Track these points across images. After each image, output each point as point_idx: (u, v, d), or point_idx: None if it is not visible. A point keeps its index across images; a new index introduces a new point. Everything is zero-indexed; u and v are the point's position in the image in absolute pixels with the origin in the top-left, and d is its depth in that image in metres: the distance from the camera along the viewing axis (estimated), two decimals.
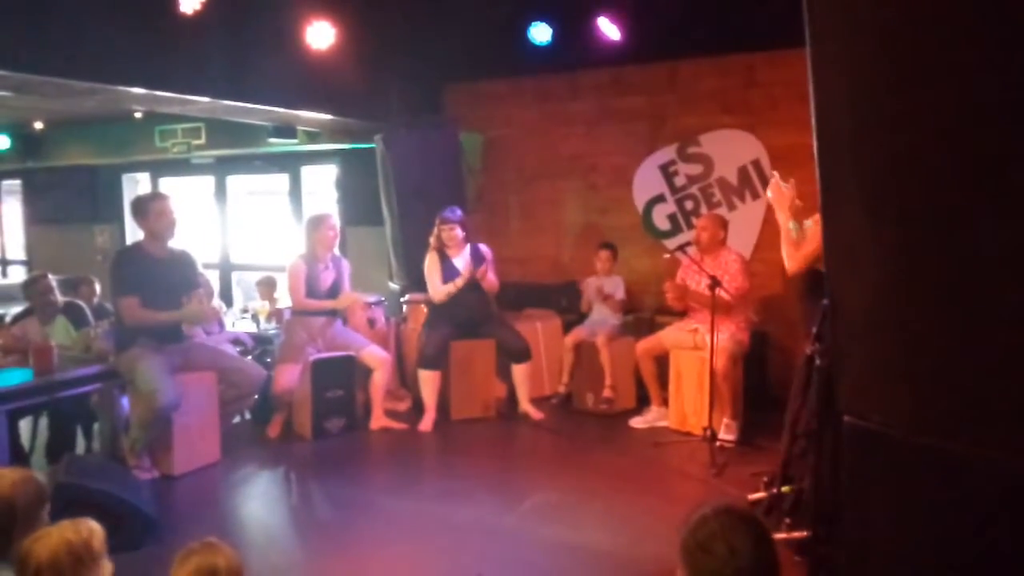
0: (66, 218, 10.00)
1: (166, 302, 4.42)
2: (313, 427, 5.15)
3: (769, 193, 3.88)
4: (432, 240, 5.50)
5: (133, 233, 8.60)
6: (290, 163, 8.45)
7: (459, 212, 5.51)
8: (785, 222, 3.70)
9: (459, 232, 5.44)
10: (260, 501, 4.37)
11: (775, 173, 3.90)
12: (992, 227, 1.62)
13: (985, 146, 1.62)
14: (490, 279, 5.45)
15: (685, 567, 1.56)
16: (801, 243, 3.60)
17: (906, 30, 1.69)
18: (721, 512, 1.58)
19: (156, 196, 4.69)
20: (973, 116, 1.63)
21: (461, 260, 5.47)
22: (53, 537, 1.85)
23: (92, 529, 1.92)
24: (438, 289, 5.42)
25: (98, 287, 5.62)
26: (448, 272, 5.43)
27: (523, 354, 5.50)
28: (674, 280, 5.18)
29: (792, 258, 3.63)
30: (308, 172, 8.52)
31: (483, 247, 5.60)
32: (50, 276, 4.91)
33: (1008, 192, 1.59)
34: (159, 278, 4.40)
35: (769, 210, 4.54)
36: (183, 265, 4.60)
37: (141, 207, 4.48)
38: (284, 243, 8.08)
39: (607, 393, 5.52)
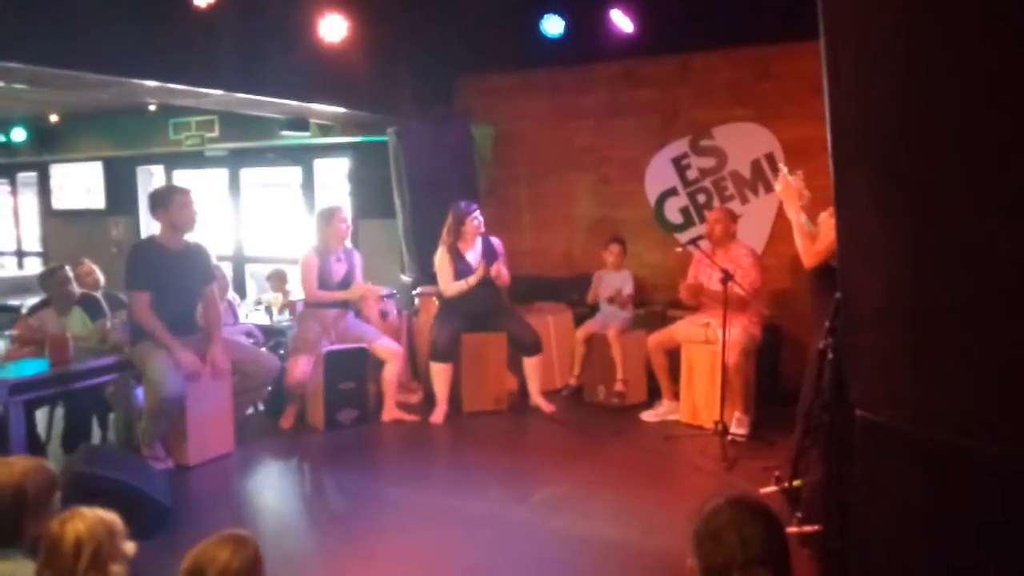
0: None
1: (180, 295, 4.46)
2: (325, 419, 5.18)
3: (778, 187, 3.87)
4: (444, 235, 5.48)
5: (148, 225, 8.67)
6: (303, 156, 8.48)
7: (474, 206, 5.51)
8: (796, 216, 3.68)
9: (479, 219, 5.44)
10: (273, 491, 4.41)
11: (783, 167, 3.88)
12: (1005, 222, 1.61)
13: (998, 141, 1.61)
14: (502, 273, 5.45)
15: (696, 556, 1.56)
16: (816, 237, 3.59)
17: (920, 23, 1.68)
18: (734, 502, 1.58)
19: (179, 189, 4.67)
20: (987, 111, 1.62)
21: (473, 255, 5.47)
22: (87, 514, 1.89)
23: (111, 513, 1.96)
24: (450, 286, 5.43)
25: (95, 266, 5.49)
26: (461, 268, 5.42)
27: (534, 347, 5.51)
28: (686, 277, 5.17)
29: (808, 253, 3.61)
30: (321, 165, 8.54)
31: (495, 240, 5.60)
32: (67, 268, 4.95)
33: (1021, 188, 1.58)
34: (174, 272, 4.43)
35: (782, 204, 4.52)
36: (198, 258, 4.62)
37: (164, 198, 4.47)
38: (297, 236, 8.11)
39: (619, 387, 5.52)
